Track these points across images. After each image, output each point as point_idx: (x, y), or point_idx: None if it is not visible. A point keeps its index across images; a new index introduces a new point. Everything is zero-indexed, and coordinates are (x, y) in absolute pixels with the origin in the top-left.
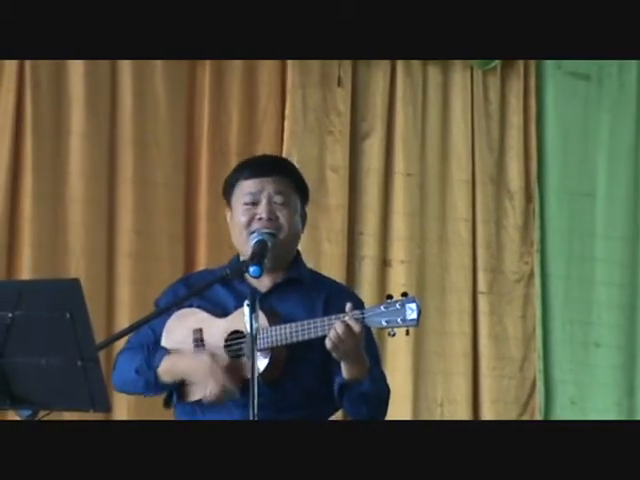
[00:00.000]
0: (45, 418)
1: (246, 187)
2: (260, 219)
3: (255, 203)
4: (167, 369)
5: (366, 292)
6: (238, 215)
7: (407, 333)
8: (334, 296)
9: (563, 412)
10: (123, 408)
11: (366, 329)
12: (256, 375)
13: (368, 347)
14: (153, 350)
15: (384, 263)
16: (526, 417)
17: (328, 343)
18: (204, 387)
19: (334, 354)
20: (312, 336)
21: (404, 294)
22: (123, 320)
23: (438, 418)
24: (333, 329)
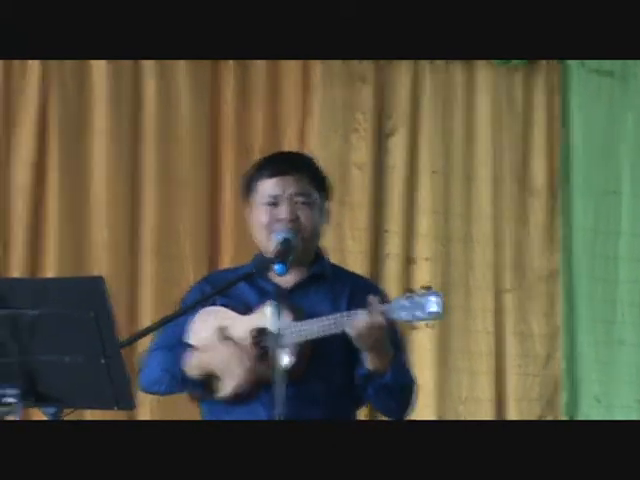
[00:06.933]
0: (67, 417)
1: (267, 187)
2: (281, 220)
3: (276, 204)
4: (193, 363)
5: (390, 290)
6: (259, 215)
7: (428, 325)
8: (358, 290)
9: (588, 410)
10: (146, 406)
11: (390, 320)
12: (281, 374)
13: (392, 337)
14: (179, 348)
15: (408, 261)
16: (550, 415)
17: (352, 332)
18: (232, 375)
19: (359, 346)
20: (336, 331)
21: (427, 287)
22: (146, 318)
23: (462, 416)
24: (357, 320)
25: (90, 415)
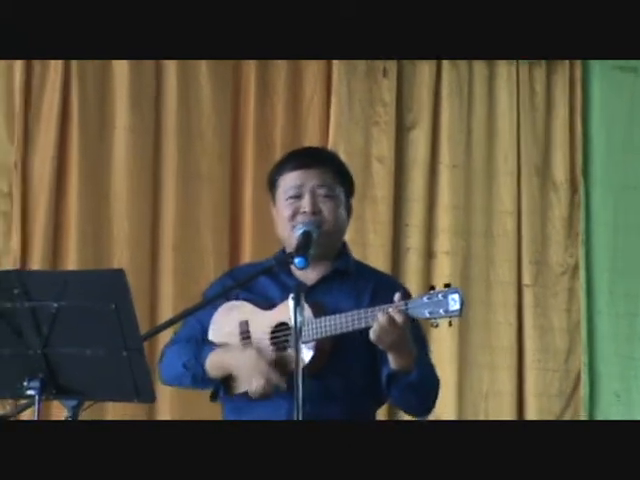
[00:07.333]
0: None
1: (289, 180)
2: (304, 212)
3: (299, 196)
4: (214, 364)
5: (411, 283)
6: (282, 209)
7: (450, 324)
8: (381, 287)
9: (608, 405)
10: (166, 399)
11: (412, 319)
12: (301, 368)
13: (415, 336)
14: (201, 344)
15: (429, 255)
16: (570, 410)
17: (372, 335)
18: (250, 382)
19: (379, 345)
20: (357, 327)
21: (447, 285)
22: (166, 312)
23: (482, 411)
24: (376, 321)
25: (111, 408)
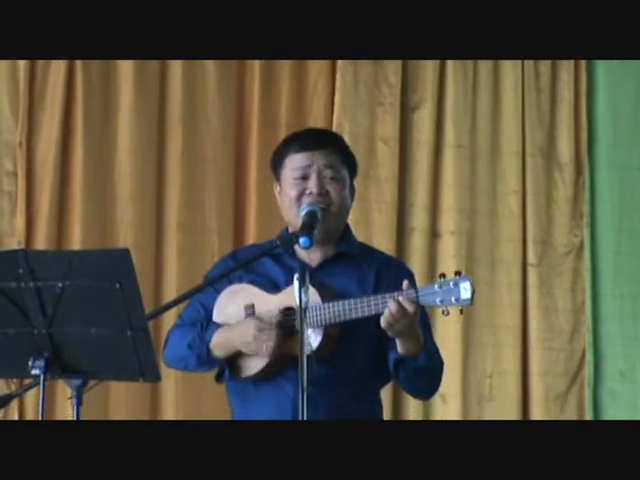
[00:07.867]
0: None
1: (296, 161)
2: (311, 193)
3: (305, 177)
4: (219, 342)
5: (416, 263)
6: (288, 189)
7: (461, 312)
8: (385, 268)
9: (612, 385)
10: (171, 380)
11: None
12: (305, 350)
13: (421, 321)
14: (205, 326)
15: (434, 235)
16: (575, 389)
17: (383, 322)
18: (259, 346)
19: (389, 332)
20: (366, 314)
21: (457, 273)
22: (171, 292)
23: (487, 390)
24: (387, 309)
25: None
